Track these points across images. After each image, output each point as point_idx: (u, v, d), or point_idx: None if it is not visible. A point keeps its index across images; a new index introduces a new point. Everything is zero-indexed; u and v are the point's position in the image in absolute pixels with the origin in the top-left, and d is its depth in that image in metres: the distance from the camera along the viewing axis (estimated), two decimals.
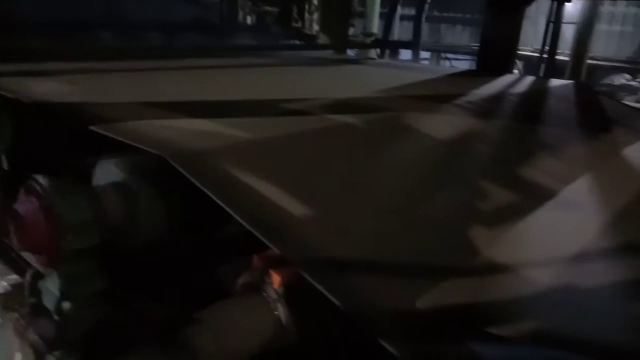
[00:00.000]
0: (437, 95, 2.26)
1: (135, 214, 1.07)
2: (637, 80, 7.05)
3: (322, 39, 4.24)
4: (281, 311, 1.01)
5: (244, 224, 0.90)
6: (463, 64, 8.06)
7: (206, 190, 0.92)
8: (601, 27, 7.52)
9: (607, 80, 7.08)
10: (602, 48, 7.49)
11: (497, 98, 2.38)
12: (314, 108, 1.72)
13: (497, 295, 1.04)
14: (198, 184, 0.94)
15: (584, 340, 0.90)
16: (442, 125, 1.85)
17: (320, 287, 0.96)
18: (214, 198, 0.92)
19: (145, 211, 1.08)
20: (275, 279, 1.03)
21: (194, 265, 1.29)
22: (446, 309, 0.99)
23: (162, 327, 1.03)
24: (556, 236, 1.31)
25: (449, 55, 9.63)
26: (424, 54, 9.07)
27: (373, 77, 3.01)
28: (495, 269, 1.14)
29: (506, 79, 2.93)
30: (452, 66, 8.52)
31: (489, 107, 2.17)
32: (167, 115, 1.40)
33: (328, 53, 4.15)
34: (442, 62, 9.67)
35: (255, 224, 0.91)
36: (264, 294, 1.02)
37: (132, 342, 0.97)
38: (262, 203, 1.00)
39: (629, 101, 4.43)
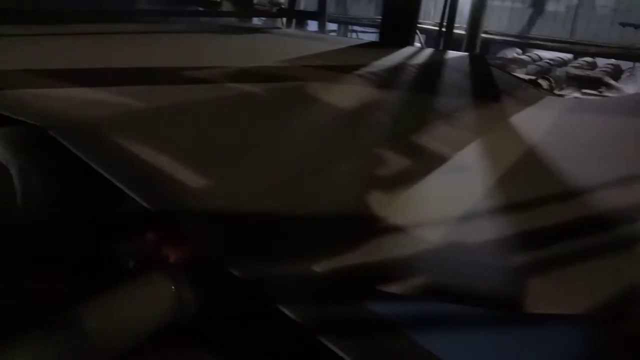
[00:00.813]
0: (340, 65, 2.29)
1: (11, 189, 0.99)
2: (527, 54, 7.58)
3: (227, 6, 4.11)
4: (179, 286, 0.99)
5: (130, 193, 0.86)
6: (369, 36, 8.19)
7: (89, 161, 0.87)
8: (494, 3, 7.97)
9: (500, 54, 7.54)
10: (496, 23, 7.95)
11: (398, 69, 2.46)
12: (215, 76, 1.67)
13: (392, 255, 1.09)
14: (81, 155, 0.88)
15: (468, 291, 0.97)
16: (344, 94, 1.88)
17: (217, 257, 0.96)
18: (97, 169, 0.87)
19: (23, 186, 1.00)
20: (172, 254, 1.01)
21: (86, 243, 1.22)
22: (343, 272, 1.03)
23: (52, 307, 0.97)
24: (446, 198, 1.40)
25: (356, 28, 9.75)
26: (332, 26, 9.09)
27: (277, 47, 2.98)
28: (390, 230, 1.20)
29: (407, 50, 3.03)
30: (359, 38, 8.64)
31: (390, 78, 2.23)
32: (57, 84, 1.30)
33: (233, 21, 4.04)
34: (349, 34, 9.76)
35: (142, 193, 0.87)
36: (160, 269, 0.99)
37: (18, 322, 0.91)
38: (151, 173, 0.96)
39: (519, 73, 4.76)
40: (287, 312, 0.92)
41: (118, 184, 0.91)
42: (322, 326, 0.95)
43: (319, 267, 1.03)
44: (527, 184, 1.46)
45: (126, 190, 0.91)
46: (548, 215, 1.19)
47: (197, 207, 1.02)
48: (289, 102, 1.66)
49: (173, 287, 0.98)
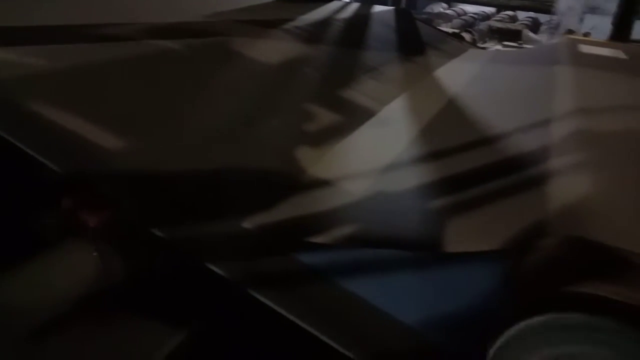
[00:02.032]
0: (266, 20, 2.23)
1: None
2: (452, 8, 7.72)
3: None
4: (101, 251, 0.96)
5: (40, 158, 0.81)
6: None
7: None
8: None
9: (427, 9, 7.64)
10: None
11: (324, 23, 2.43)
12: (134, 33, 1.58)
13: (319, 208, 1.11)
14: None
15: (392, 236, 1.01)
16: (270, 50, 1.84)
17: (139, 219, 0.94)
18: (3, 135, 0.81)
19: None
20: (91, 219, 0.97)
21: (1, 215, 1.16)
22: (272, 226, 1.04)
23: None
24: (372, 151, 1.43)
25: None
26: None
27: (200, 1, 2.85)
28: (318, 185, 1.21)
29: (333, 5, 3.00)
30: None
31: (316, 33, 2.21)
32: None
33: None
34: None
35: (54, 157, 0.83)
36: (80, 236, 0.96)
37: None
38: (63, 136, 0.91)
39: (444, 27, 4.84)
40: (215, 269, 0.92)
41: (27, 150, 0.86)
42: (251, 281, 0.96)
43: (248, 224, 1.03)
44: (449, 133, 1.52)
45: (36, 156, 0.86)
46: (466, 161, 1.25)
47: (115, 169, 0.99)
48: (213, 58, 1.61)
49: (95, 253, 0.96)
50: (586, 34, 4.09)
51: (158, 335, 1.01)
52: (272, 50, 1.85)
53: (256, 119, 1.41)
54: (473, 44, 3.82)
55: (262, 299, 0.92)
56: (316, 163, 1.31)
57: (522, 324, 0.71)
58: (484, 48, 3.92)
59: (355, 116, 1.65)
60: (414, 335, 0.93)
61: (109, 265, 0.96)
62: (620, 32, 3.93)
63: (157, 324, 1.02)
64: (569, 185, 1.02)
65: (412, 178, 1.22)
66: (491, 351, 0.76)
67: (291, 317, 0.91)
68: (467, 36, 3.99)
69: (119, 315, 1.00)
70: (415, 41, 2.88)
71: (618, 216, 0.90)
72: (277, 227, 1.03)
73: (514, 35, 4.94)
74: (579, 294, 0.68)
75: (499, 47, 4.45)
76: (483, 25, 5.70)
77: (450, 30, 4.33)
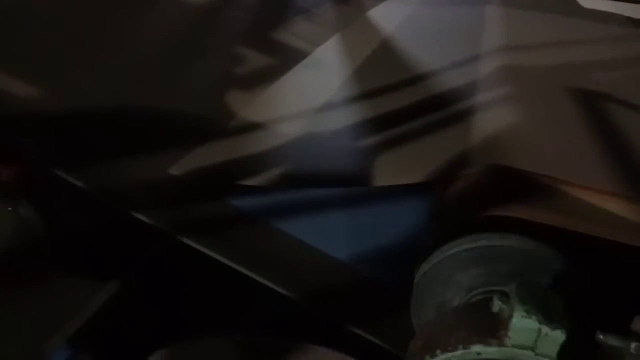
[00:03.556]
0: None
1: None
2: None
3: None
4: (17, 206, 0.90)
5: None
6: None
7: None
8: None
9: None
10: None
11: None
12: None
13: (250, 151, 1.09)
14: None
15: (323, 175, 1.01)
16: None
17: (57, 170, 0.88)
18: None
19: None
20: (3, 172, 0.91)
21: None
22: (201, 171, 1.01)
23: None
24: (305, 92, 1.41)
25: None
26: None
27: None
28: (249, 128, 1.18)
29: None
30: None
31: None
32: None
33: None
34: None
35: None
36: None
37: None
38: None
39: None
40: (143, 218, 0.89)
41: None
42: (181, 227, 0.94)
43: (176, 170, 1.00)
44: (381, 73, 1.51)
45: None
46: (396, 100, 1.25)
47: (28, 117, 0.92)
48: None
49: (10, 208, 0.90)
50: None
51: (87, 290, 0.97)
52: None
53: (182, 61, 1.34)
54: None
55: (193, 244, 0.90)
56: (247, 106, 1.28)
57: (439, 251, 0.73)
58: None
59: (287, 58, 1.61)
60: (346, 269, 0.95)
61: (26, 219, 0.91)
62: None
63: (85, 278, 0.98)
64: (491, 119, 1.05)
65: (344, 118, 1.22)
66: (416, 279, 0.79)
67: (224, 260, 0.91)
68: None
69: (44, 272, 0.96)
70: None
71: (536, 145, 0.94)
72: (206, 172, 1.00)
73: None
74: (492, 217, 0.71)
75: None
76: None
77: None
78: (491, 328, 0.57)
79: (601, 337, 0.57)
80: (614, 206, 0.80)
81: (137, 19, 1.42)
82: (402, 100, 1.25)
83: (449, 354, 0.59)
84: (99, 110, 1.03)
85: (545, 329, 0.54)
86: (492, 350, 0.56)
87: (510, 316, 0.56)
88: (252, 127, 1.20)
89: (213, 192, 0.99)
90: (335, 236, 1.02)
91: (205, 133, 1.13)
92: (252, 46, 1.59)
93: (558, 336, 0.54)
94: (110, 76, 1.15)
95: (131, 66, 1.23)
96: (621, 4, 2.71)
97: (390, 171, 0.96)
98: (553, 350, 0.55)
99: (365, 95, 1.37)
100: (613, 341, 0.57)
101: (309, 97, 1.37)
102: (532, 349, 0.55)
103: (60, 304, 0.95)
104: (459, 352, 0.58)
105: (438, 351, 0.59)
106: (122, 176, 0.96)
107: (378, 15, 2.38)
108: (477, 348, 0.57)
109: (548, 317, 0.55)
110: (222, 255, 0.93)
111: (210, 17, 1.64)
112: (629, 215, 0.79)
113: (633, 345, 0.56)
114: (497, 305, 0.59)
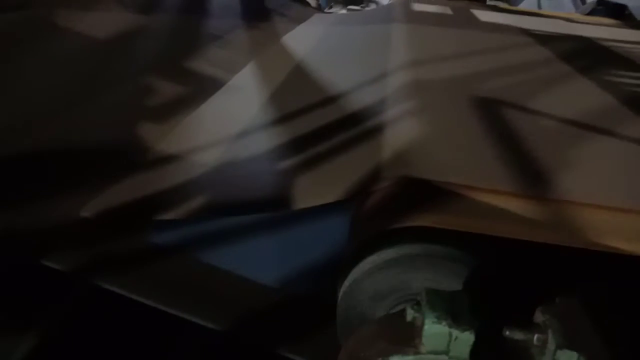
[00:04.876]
0: None
1: None
2: None
3: None
4: None
5: None
6: None
7: None
8: None
9: None
10: None
11: None
12: None
13: (166, 184, 1.06)
14: None
15: (243, 202, 1.01)
16: (100, 22, 1.70)
17: None
18: None
19: None
20: None
21: None
22: (115, 210, 0.97)
23: None
24: (222, 120, 1.40)
25: None
26: None
27: None
28: (166, 160, 1.16)
29: None
30: None
31: (150, 1, 2.08)
32: None
33: None
34: None
35: None
36: None
37: None
38: None
39: None
40: (51, 264, 0.85)
41: None
42: (98, 271, 0.90)
43: (87, 211, 0.96)
44: (296, 96, 1.54)
45: None
46: (311, 121, 1.28)
47: None
48: (35, 34, 1.44)
49: None
50: None
51: (6, 344, 0.91)
52: (102, 22, 1.71)
53: (89, 94, 1.30)
54: (318, 9, 3.89)
55: (108, 286, 0.87)
56: (163, 138, 1.25)
57: (357, 267, 0.75)
58: (329, 12, 4.01)
59: (203, 87, 1.60)
60: (272, 293, 0.95)
61: None
62: None
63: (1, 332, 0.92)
64: (400, 133, 1.09)
65: (261, 143, 1.23)
66: (339, 297, 0.81)
67: (145, 301, 0.88)
68: (312, 1, 4.04)
69: None
70: (260, 8, 2.85)
71: (441, 154, 0.99)
72: (120, 211, 0.97)
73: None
74: (404, 228, 0.74)
75: (343, 11, 4.59)
76: None
77: None
78: (407, 337, 0.60)
79: (507, 332, 0.60)
80: (515, 205, 0.85)
81: (38, 55, 1.36)
82: (317, 122, 1.27)
83: None
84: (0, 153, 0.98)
85: (455, 333, 0.57)
86: (409, 358, 0.58)
87: (423, 324, 0.58)
88: (169, 159, 1.17)
89: (129, 230, 0.96)
90: (260, 261, 1.02)
91: (118, 169, 1.09)
92: (164, 76, 1.57)
93: (468, 338, 0.57)
94: (13, 115, 1.09)
95: (31, 102, 1.18)
96: (515, 16, 2.94)
97: (309, 192, 0.98)
98: (465, 351, 0.58)
99: (281, 119, 1.39)
100: (518, 335, 0.61)
101: (226, 125, 1.37)
102: (446, 352, 0.58)
103: None
104: None
105: None
106: (29, 222, 0.91)
107: (291, 39, 2.44)
108: (395, 358, 0.59)
109: (457, 320, 0.58)
110: (143, 295, 0.89)
111: (117, 49, 1.60)
112: (529, 214, 0.85)
113: (535, 336, 0.60)
114: (410, 314, 0.62)
